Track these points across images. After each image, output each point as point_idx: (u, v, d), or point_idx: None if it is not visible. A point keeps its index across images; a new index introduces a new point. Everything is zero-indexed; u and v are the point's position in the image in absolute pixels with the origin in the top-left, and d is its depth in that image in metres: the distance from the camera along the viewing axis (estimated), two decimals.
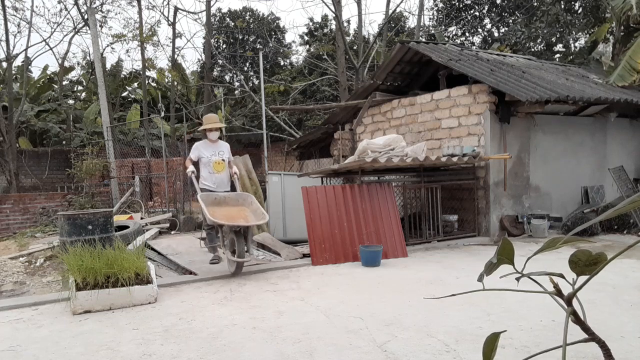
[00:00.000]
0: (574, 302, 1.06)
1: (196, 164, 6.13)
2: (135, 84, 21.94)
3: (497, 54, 11.17)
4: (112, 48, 59.37)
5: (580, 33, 17.49)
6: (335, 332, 3.46)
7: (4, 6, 14.86)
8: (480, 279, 1.17)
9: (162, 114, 12.40)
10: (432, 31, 19.80)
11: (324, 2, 15.87)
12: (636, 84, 10.03)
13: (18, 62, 17.18)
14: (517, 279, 1.13)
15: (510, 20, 18.78)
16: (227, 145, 6.32)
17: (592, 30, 15.61)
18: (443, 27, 19.81)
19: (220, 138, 6.36)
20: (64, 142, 17.37)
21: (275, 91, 18.75)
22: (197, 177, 6.12)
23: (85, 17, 15.38)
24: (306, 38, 23.54)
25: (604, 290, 4.39)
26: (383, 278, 5.21)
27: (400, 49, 9.35)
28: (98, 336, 3.50)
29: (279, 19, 24.08)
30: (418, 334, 3.38)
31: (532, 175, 8.31)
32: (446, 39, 18.42)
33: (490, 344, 1.10)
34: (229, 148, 6.30)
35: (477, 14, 19.76)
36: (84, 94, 21.79)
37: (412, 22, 21.47)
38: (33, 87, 18.71)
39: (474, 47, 18.81)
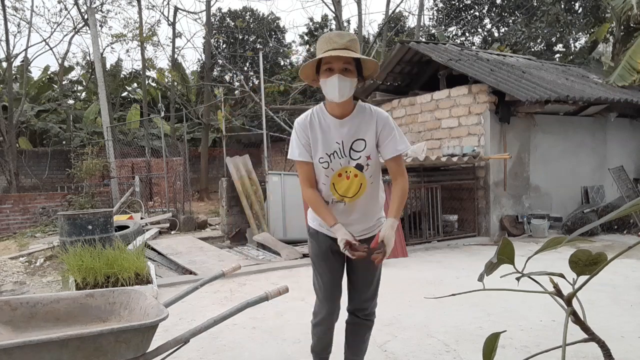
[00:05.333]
0: (574, 302, 1.06)
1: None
2: (135, 84, 21.95)
3: (497, 54, 11.16)
4: (112, 48, 59.28)
5: (580, 33, 17.49)
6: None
7: (4, 6, 14.87)
8: (480, 279, 1.17)
9: (162, 114, 12.39)
10: (432, 31, 19.80)
11: (324, 2, 15.88)
12: (636, 84, 10.02)
13: (18, 62, 17.19)
14: (518, 279, 1.13)
15: (510, 20, 18.79)
16: (384, 116, 2.27)
17: (592, 30, 15.61)
18: (443, 27, 19.81)
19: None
20: (64, 142, 17.36)
21: (275, 91, 18.73)
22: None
23: (85, 17, 15.38)
24: (306, 38, 23.52)
25: (604, 290, 4.39)
26: (383, 278, 5.20)
27: (400, 49, 9.35)
28: None
29: (279, 19, 24.07)
30: (418, 334, 3.38)
31: (532, 175, 8.31)
32: (446, 39, 18.41)
33: (490, 344, 1.10)
34: (390, 122, 2.26)
35: (477, 14, 19.77)
36: (84, 94, 21.79)
37: (412, 22, 21.48)
38: (33, 87, 18.70)
39: (474, 47, 18.80)
